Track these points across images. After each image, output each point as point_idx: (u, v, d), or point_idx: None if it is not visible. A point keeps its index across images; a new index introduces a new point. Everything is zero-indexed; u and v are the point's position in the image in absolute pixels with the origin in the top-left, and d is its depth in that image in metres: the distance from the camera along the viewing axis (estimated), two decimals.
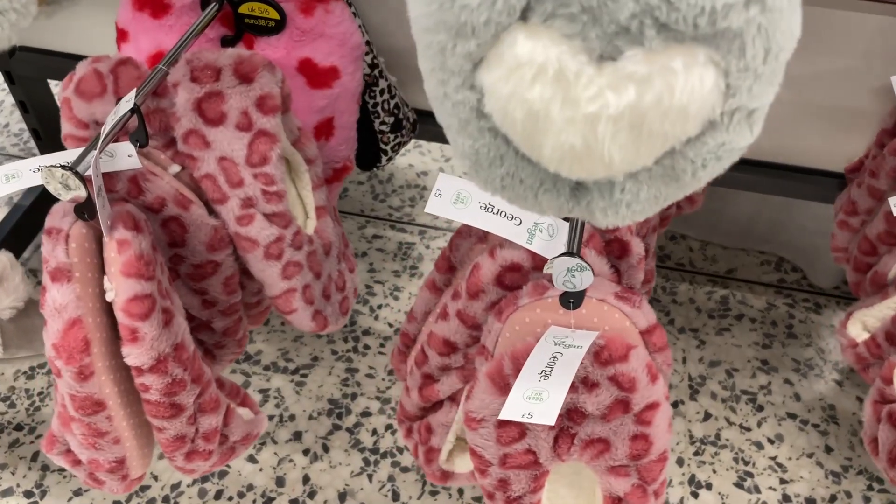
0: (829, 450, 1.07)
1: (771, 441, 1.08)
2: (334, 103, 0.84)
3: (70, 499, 1.02)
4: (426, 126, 0.94)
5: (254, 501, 1.02)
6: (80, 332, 0.64)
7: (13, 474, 1.05)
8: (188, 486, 1.03)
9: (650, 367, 0.61)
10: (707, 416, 1.10)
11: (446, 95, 0.41)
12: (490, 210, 0.61)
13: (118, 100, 0.69)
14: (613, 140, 0.37)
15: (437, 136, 0.97)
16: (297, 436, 1.09)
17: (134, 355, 0.65)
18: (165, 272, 0.70)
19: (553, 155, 0.39)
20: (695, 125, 0.38)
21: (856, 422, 1.10)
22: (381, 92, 0.87)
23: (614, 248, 0.66)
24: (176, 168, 0.72)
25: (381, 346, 1.19)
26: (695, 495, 1.02)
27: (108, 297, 0.64)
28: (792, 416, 1.10)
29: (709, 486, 1.03)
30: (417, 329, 0.78)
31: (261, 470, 1.05)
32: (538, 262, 0.63)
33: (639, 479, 0.66)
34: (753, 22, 0.34)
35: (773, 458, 1.06)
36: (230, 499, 1.02)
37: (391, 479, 1.04)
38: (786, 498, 1.02)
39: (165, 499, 1.02)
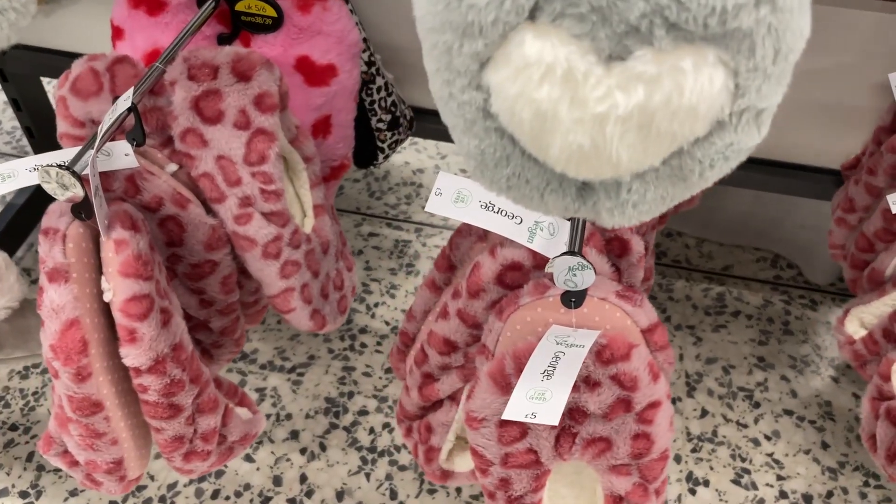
0: (825, 446, 1.07)
1: (768, 437, 1.08)
2: (332, 101, 0.83)
3: (66, 499, 1.02)
4: (423, 123, 0.94)
5: (251, 501, 1.02)
6: (77, 332, 0.64)
7: (8, 475, 1.04)
8: (185, 485, 1.03)
9: (652, 366, 0.61)
10: (704, 412, 1.11)
11: (452, 95, 0.40)
12: (491, 209, 0.61)
13: (115, 98, 0.68)
14: (622, 140, 0.37)
15: (434, 133, 0.97)
16: (294, 435, 1.08)
17: (132, 356, 0.65)
18: (163, 272, 0.69)
19: (560, 155, 0.39)
20: (703, 125, 0.38)
21: (852, 418, 1.10)
22: (379, 89, 0.86)
23: (614, 246, 0.66)
24: (173, 167, 0.71)
25: (378, 344, 1.18)
26: (692, 492, 1.03)
27: (106, 297, 0.64)
28: (788, 412, 1.11)
29: (706, 483, 1.03)
30: (417, 328, 0.77)
31: (258, 469, 1.05)
32: (539, 260, 0.63)
33: (640, 478, 0.66)
34: (764, 22, 0.34)
35: (770, 455, 1.06)
36: (227, 498, 1.02)
37: (389, 477, 1.04)
38: (783, 494, 1.02)
39: (162, 499, 1.02)
